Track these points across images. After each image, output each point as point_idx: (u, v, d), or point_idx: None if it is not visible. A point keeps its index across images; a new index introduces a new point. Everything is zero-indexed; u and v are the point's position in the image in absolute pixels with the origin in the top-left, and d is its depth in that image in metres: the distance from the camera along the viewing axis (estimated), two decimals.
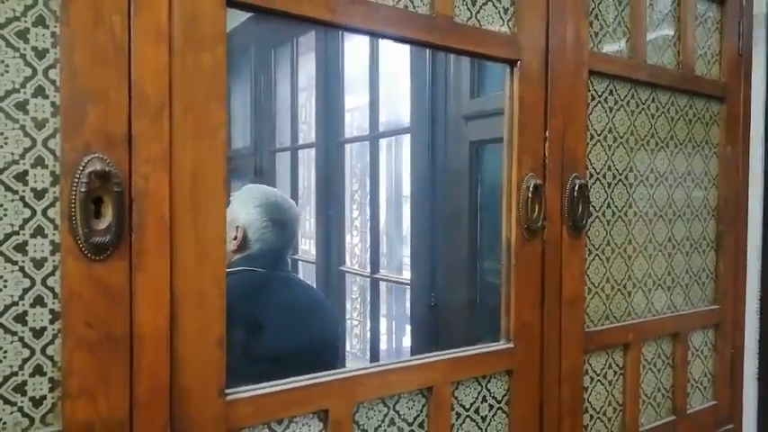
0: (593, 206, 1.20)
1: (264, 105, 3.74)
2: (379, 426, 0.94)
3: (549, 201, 1.10)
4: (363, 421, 0.93)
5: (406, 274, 2.69)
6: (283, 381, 0.85)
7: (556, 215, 1.12)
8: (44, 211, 0.68)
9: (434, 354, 0.99)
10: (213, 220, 0.77)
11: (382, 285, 3.01)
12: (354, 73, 3.01)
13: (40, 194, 0.68)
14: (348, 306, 3.36)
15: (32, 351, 0.68)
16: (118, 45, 0.70)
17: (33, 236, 0.68)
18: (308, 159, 3.45)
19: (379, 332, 3.05)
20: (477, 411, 1.05)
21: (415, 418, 0.98)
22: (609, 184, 1.23)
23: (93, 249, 0.69)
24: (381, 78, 2.83)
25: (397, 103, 2.75)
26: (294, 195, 3.52)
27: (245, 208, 1.53)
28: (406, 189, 2.77)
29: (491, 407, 1.07)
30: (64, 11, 0.67)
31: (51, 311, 0.68)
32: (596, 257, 1.22)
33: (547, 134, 1.10)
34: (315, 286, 3.21)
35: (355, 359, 3.35)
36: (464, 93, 2.26)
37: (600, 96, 1.20)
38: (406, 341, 3.00)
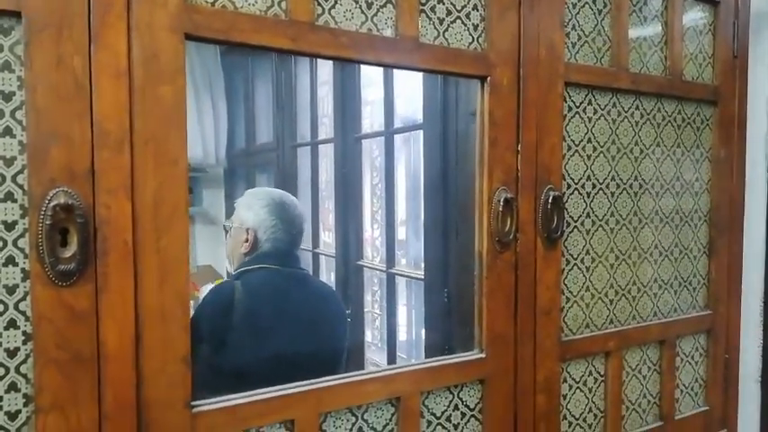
0: (570, 216, 1.21)
1: (286, 101, 3.80)
2: None
3: (522, 213, 1.12)
4: (331, 430, 0.97)
5: None
6: (249, 392, 0.90)
7: (529, 227, 1.13)
8: (14, 242, 0.74)
9: (401, 365, 1.03)
10: (175, 242, 0.82)
11: (402, 279, 3.05)
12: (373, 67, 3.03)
13: (10, 227, 0.74)
14: (369, 298, 3.42)
15: (7, 370, 0.74)
16: (79, 85, 0.75)
17: (5, 264, 0.74)
18: (329, 154, 3.50)
19: (394, 326, 3.10)
20: (448, 419, 1.09)
21: (384, 427, 1.02)
22: (588, 194, 1.24)
23: (59, 276, 0.75)
24: (396, 73, 2.84)
25: (414, 97, 2.76)
26: (315, 190, 3.58)
27: (252, 210, 1.58)
28: None
29: (463, 414, 1.10)
30: (27, 56, 0.73)
31: (24, 333, 0.75)
32: (575, 267, 1.23)
33: (519, 148, 1.11)
34: (333, 279, 3.28)
35: (377, 350, 3.41)
36: (473, 89, 2.25)
37: (578, 107, 1.20)
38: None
